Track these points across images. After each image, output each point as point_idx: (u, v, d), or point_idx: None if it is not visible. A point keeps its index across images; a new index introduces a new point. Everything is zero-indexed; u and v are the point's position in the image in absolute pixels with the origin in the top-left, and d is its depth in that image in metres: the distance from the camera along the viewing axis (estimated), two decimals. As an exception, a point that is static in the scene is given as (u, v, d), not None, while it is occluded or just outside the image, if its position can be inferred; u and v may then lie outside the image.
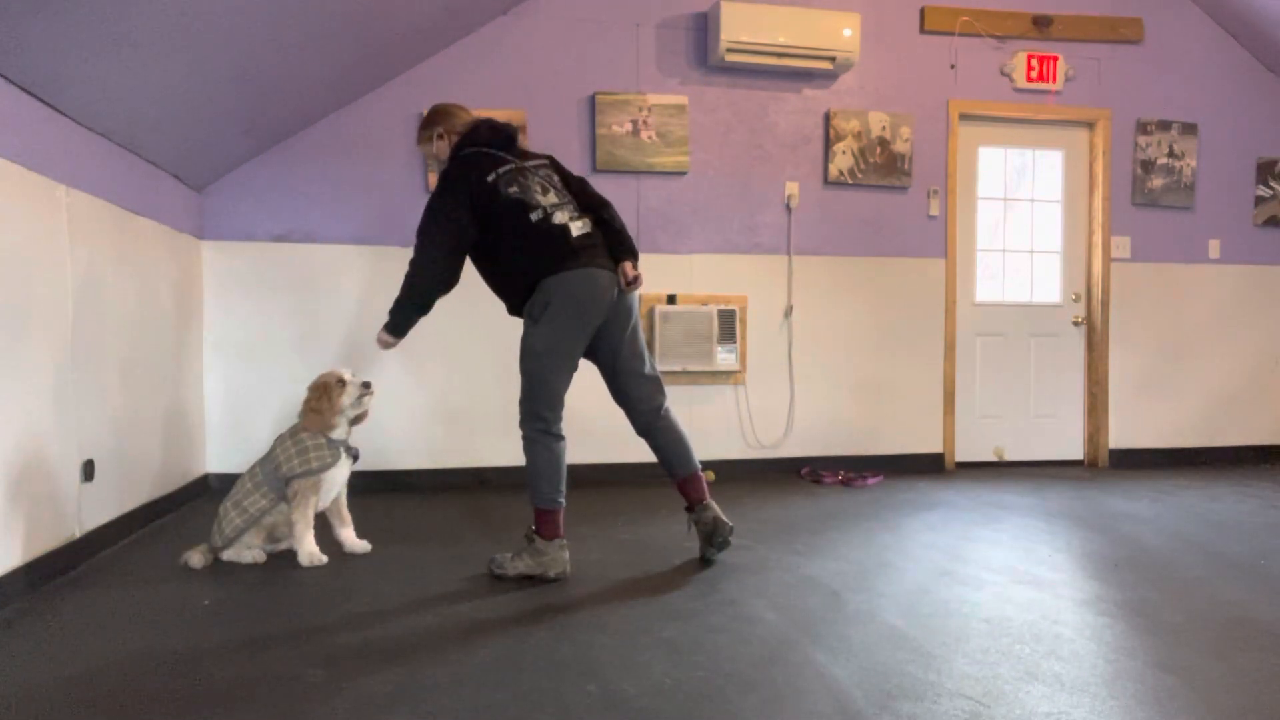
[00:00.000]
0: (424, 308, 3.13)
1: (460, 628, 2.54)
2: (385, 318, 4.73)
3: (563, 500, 3.06)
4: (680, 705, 2.02)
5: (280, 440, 3.32)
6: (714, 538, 3.23)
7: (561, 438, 3.08)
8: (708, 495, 3.26)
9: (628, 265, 3.13)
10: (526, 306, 3.09)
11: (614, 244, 3.16)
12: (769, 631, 2.51)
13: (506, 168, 3.10)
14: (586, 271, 3.03)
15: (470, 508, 4.30)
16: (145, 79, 3.27)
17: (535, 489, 3.04)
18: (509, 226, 3.05)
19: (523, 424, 3.07)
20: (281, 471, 3.24)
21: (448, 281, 3.10)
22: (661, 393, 3.27)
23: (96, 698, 2.06)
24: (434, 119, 3.28)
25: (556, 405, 3.06)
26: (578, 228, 3.10)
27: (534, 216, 3.05)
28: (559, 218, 3.07)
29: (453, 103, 3.36)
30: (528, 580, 3.03)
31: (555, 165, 3.26)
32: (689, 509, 3.27)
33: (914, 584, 3.00)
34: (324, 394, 3.31)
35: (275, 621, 2.59)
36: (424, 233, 3.08)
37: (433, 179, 4.77)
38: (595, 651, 2.36)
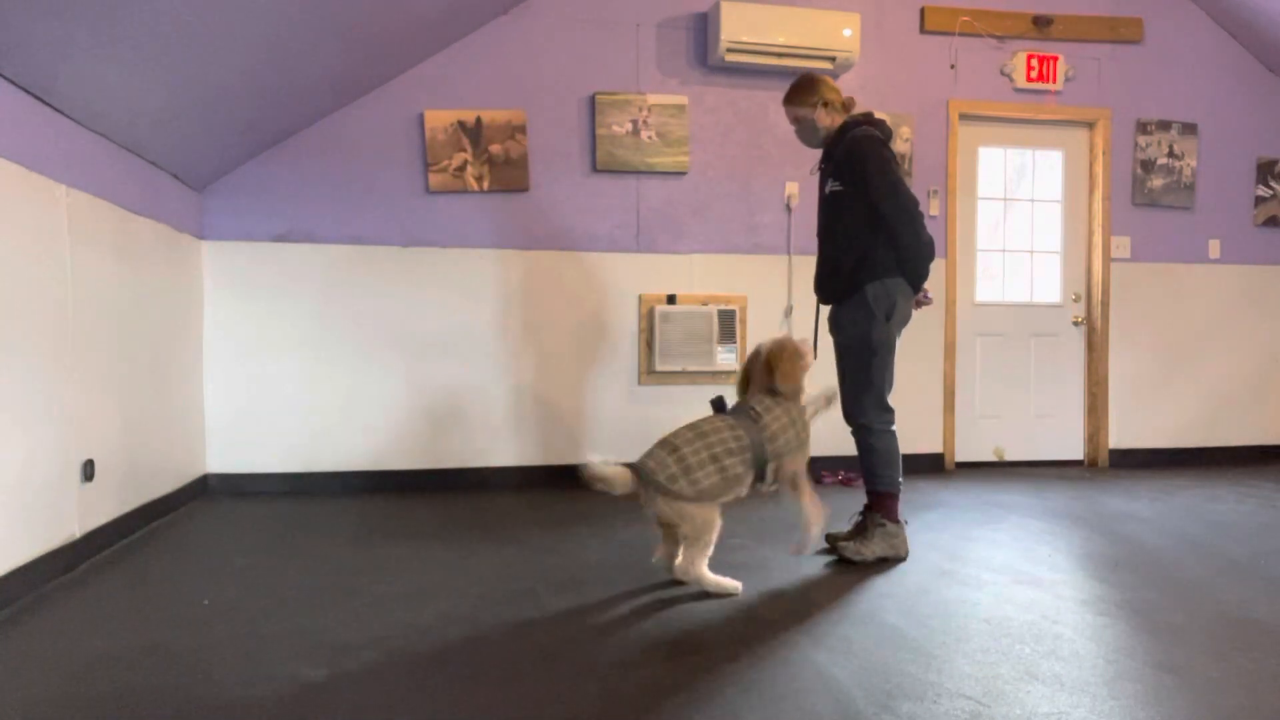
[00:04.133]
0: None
1: (460, 628, 2.54)
2: (384, 319, 4.79)
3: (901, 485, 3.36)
4: (680, 705, 2.02)
5: (762, 405, 2.96)
6: (855, 538, 3.32)
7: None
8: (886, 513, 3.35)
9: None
10: (871, 299, 3.26)
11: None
12: (769, 632, 2.51)
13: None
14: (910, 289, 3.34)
15: (471, 508, 4.30)
16: (145, 79, 3.27)
17: (885, 476, 3.31)
18: None
19: (866, 416, 3.32)
20: (777, 444, 2.91)
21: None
22: None
23: (97, 698, 2.06)
24: (815, 87, 3.37)
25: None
26: None
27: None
28: None
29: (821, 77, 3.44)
30: (881, 562, 3.24)
31: None
32: (866, 509, 3.39)
33: (914, 584, 3.00)
34: (799, 361, 3.04)
35: (275, 621, 2.60)
36: (893, 184, 3.20)
37: (435, 178, 4.77)
38: (594, 651, 2.36)
